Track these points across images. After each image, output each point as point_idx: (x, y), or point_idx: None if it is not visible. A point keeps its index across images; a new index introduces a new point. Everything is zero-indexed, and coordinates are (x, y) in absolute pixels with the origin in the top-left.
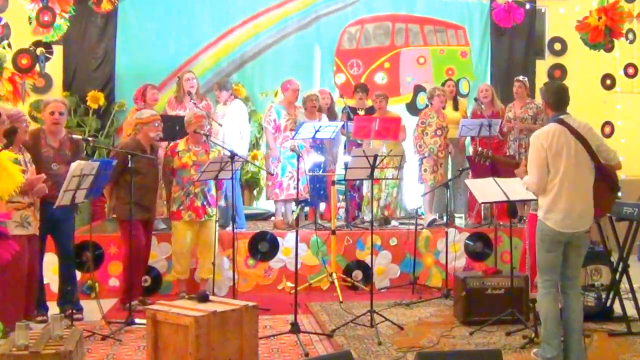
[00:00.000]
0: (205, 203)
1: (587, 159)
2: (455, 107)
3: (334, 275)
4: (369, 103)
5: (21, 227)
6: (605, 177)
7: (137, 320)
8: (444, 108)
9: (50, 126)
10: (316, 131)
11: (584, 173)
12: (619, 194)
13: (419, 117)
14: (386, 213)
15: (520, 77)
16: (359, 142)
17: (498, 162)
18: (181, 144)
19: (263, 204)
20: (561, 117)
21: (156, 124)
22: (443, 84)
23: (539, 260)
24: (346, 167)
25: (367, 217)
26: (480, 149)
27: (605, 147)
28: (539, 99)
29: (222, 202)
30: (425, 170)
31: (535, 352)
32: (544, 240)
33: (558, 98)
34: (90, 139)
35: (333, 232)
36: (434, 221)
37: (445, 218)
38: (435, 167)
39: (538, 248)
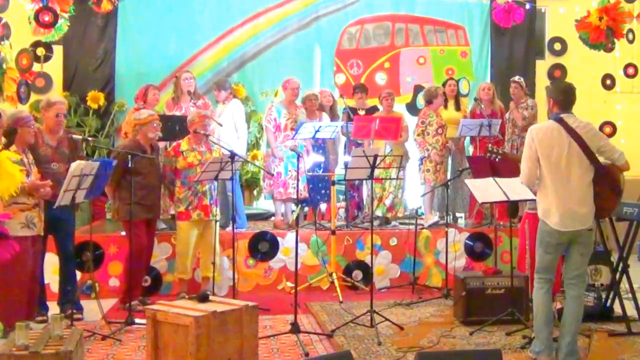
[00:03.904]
0: (212, 202)
1: (583, 159)
2: (457, 107)
3: (334, 275)
4: (369, 103)
5: (27, 228)
6: (607, 179)
7: (137, 320)
8: (446, 108)
9: (54, 127)
10: (316, 131)
11: (578, 172)
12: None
13: (419, 117)
14: (389, 214)
15: (516, 78)
16: (358, 142)
17: (508, 159)
18: (184, 144)
19: (263, 204)
20: (562, 115)
21: (155, 125)
22: (444, 84)
23: (537, 259)
24: (346, 167)
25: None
26: (491, 146)
27: (609, 148)
28: (539, 99)
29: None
30: (428, 170)
31: (531, 347)
32: (543, 241)
33: (565, 97)
34: (90, 139)
35: (333, 232)
36: (435, 223)
37: (445, 218)
38: (437, 167)
39: (537, 247)
